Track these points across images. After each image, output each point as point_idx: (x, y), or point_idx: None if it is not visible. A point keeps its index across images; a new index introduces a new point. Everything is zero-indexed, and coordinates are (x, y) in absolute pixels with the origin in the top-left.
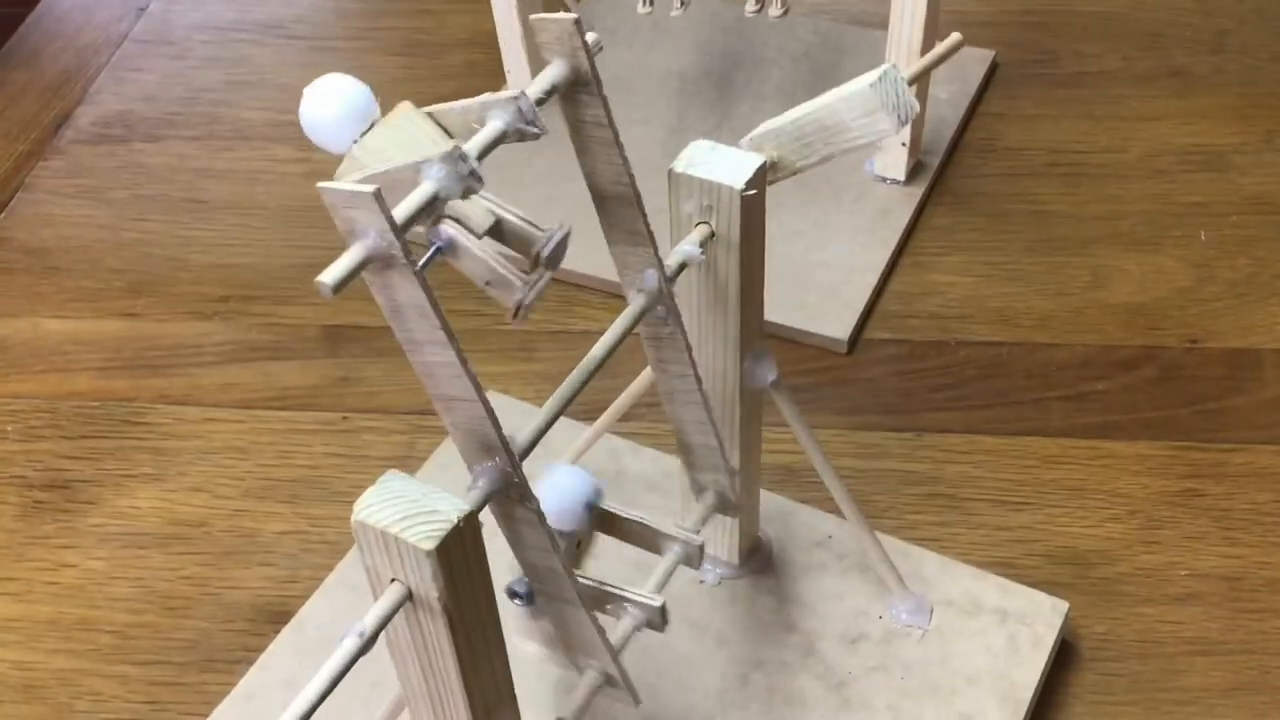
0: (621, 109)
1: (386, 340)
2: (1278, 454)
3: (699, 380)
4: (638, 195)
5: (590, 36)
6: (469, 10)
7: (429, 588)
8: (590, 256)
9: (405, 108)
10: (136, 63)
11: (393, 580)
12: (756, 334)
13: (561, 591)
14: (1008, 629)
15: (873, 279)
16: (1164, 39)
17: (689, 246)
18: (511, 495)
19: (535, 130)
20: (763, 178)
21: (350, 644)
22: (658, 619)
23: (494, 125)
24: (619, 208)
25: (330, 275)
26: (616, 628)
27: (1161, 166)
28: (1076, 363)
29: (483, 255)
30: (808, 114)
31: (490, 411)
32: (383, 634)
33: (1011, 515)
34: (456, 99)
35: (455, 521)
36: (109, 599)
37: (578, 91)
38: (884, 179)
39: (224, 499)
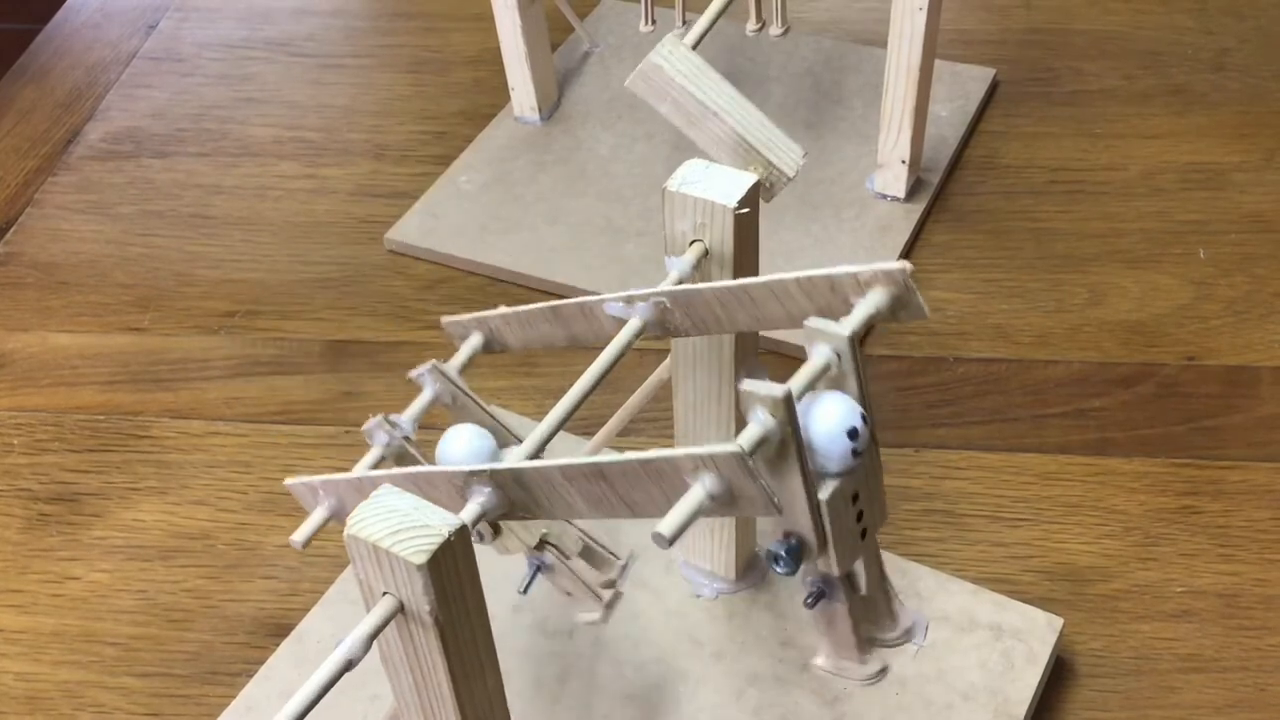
0: (624, 126)
1: (389, 355)
2: (1275, 471)
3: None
4: (560, 305)
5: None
6: (475, 29)
7: (420, 601)
8: (590, 273)
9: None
10: (146, 79)
11: (384, 593)
12: (751, 351)
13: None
14: (1003, 645)
15: None
16: (1164, 57)
17: (683, 265)
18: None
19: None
20: (755, 196)
21: (337, 656)
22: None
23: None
24: (564, 319)
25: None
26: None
27: (1161, 184)
28: (1074, 379)
29: (574, 576)
30: (692, 138)
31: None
32: (376, 648)
33: (1008, 531)
34: (463, 116)
35: (446, 536)
36: (112, 611)
37: (496, 340)
38: (884, 196)
39: (227, 512)
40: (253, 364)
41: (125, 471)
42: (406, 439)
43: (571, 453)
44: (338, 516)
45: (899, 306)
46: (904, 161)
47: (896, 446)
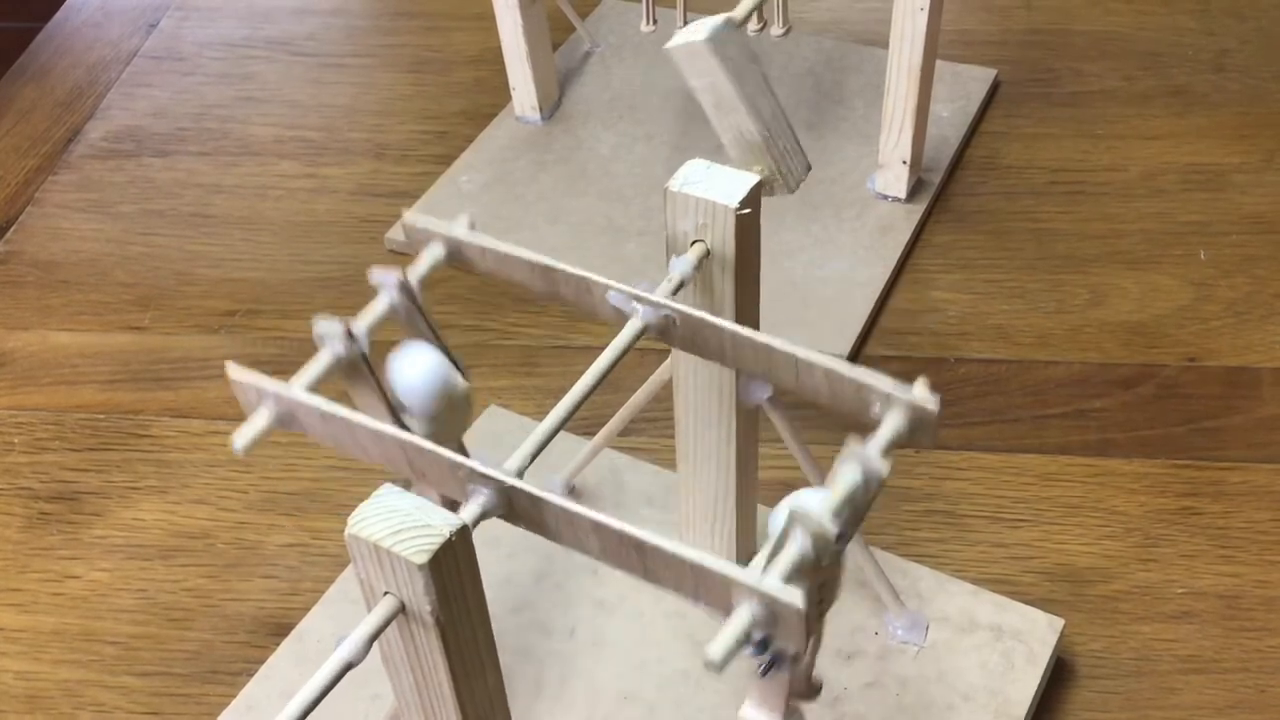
0: (625, 126)
1: (389, 354)
2: (1275, 473)
3: (757, 336)
4: (552, 264)
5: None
6: (476, 28)
7: (421, 601)
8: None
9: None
10: (147, 78)
11: (386, 593)
12: None
13: (624, 542)
14: (1003, 646)
15: (873, 296)
16: (1165, 58)
17: (685, 265)
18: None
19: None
20: (757, 196)
21: (339, 656)
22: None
23: None
24: (553, 281)
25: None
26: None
27: (1162, 185)
28: (1075, 380)
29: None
30: (712, 122)
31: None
32: (377, 647)
33: (1008, 532)
34: (463, 115)
35: (447, 536)
36: (113, 610)
37: (457, 255)
38: (885, 196)
39: (227, 511)
40: (253, 363)
41: (125, 470)
42: (363, 355)
43: (573, 453)
44: (283, 425)
45: (917, 431)
46: (905, 162)
47: (896, 447)
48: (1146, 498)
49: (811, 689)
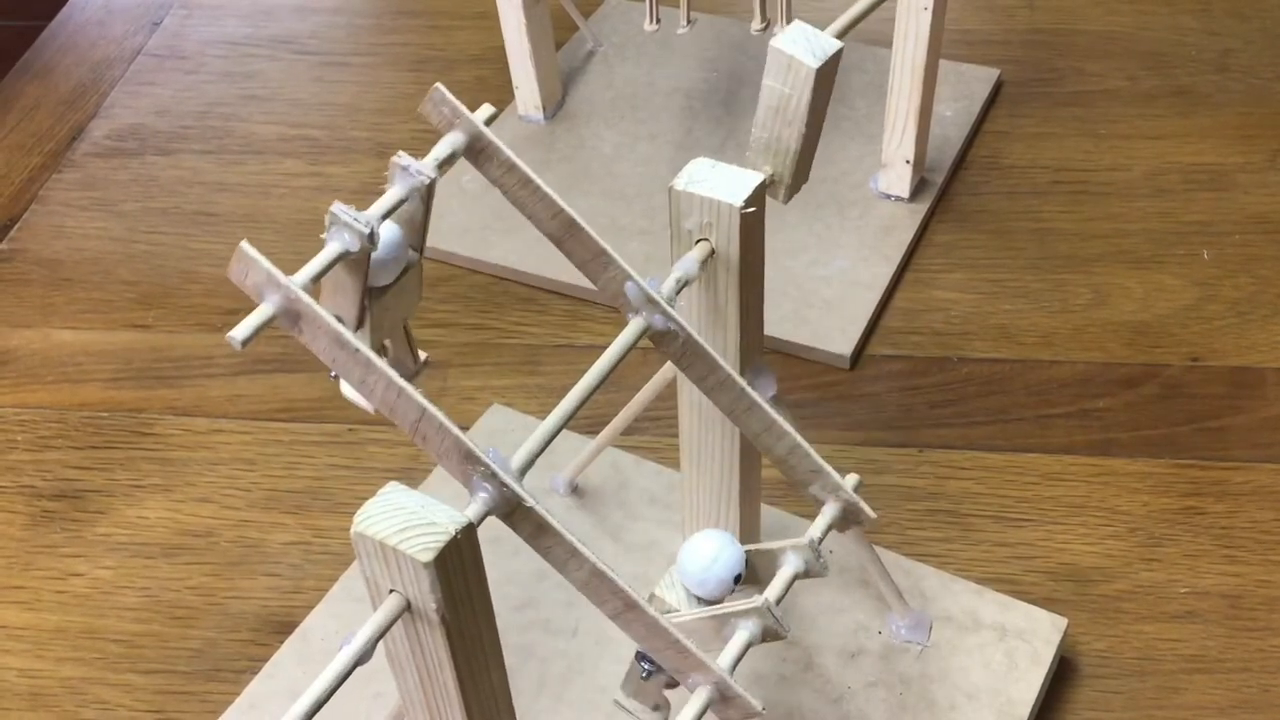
0: (628, 125)
1: None
2: (1278, 472)
3: (739, 382)
4: (577, 221)
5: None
6: (479, 27)
7: (427, 599)
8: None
9: None
10: (150, 77)
11: (391, 591)
12: (756, 350)
13: (615, 594)
14: (1007, 645)
15: (875, 295)
16: (1168, 58)
17: (689, 263)
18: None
19: None
20: (762, 195)
21: (347, 654)
22: (773, 622)
23: None
24: (570, 237)
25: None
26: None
27: (1165, 185)
28: (1078, 380)
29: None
30: (759, 115)
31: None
32: (382, 645)
33: (1012, 532)
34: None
35: (453, 534)
36: (116, 608)
37: (478, 150)
38: (888, 195)
39: (230, 509)
40: (256, 362)
41: (129, 468)
42: (371, 235)
43: (575, 452)
44: (284, 322)
45: (845, 523)
46: (908, 161)
47: (900, 446)
48: (1150, 497)
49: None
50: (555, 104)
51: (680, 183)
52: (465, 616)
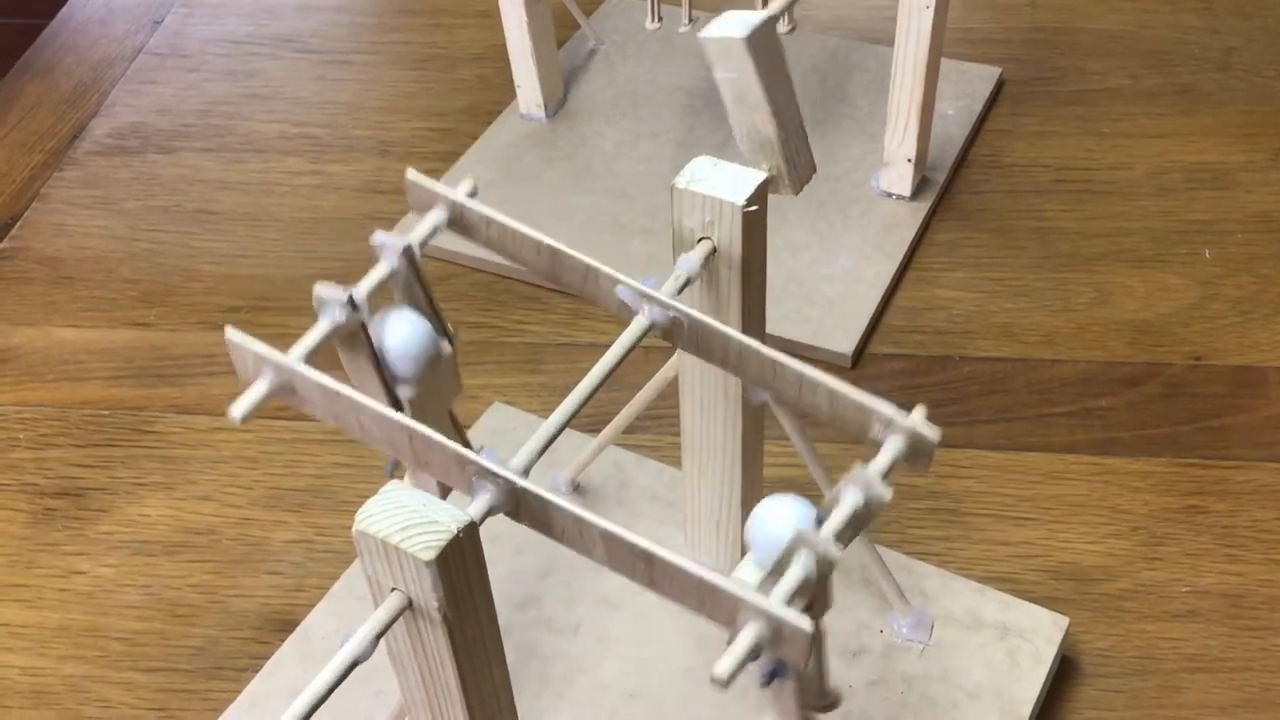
0: (630, 123)
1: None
2: None
3: (759, 346)
4: (559, 247)
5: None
6: (481, 25)
7: (428, 598)
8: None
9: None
10: (151, 75)
11: (393, 589)
12: None
13: (633, 553)
14: (1008, 644)
15: (877, 294)
16: (1170, 56)
17: (691, 262)
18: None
19: None
20: (764, 194)
21: (347, 652)
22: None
23: None
24: (559, 266)
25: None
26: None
27: (1167, 184)
28: (1080, 379)
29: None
30: (729, 113)
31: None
32: (384, 643)
33: (1014, 530)
34: (468, 112)
35: (455, 532)
36: (118, 606)
37: (460, 221)
38: (889, 194)
39: (232, 508)
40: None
41: (130, 467)
42: (362, 324)
43: (578, 450)
44: (281, 395)
45: (915, 457)
46: (909, 160)
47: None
48: (1152, 496)
49: (828, 699)
50: (557, 102)
51: (682, 181)
52: (467, 615)
